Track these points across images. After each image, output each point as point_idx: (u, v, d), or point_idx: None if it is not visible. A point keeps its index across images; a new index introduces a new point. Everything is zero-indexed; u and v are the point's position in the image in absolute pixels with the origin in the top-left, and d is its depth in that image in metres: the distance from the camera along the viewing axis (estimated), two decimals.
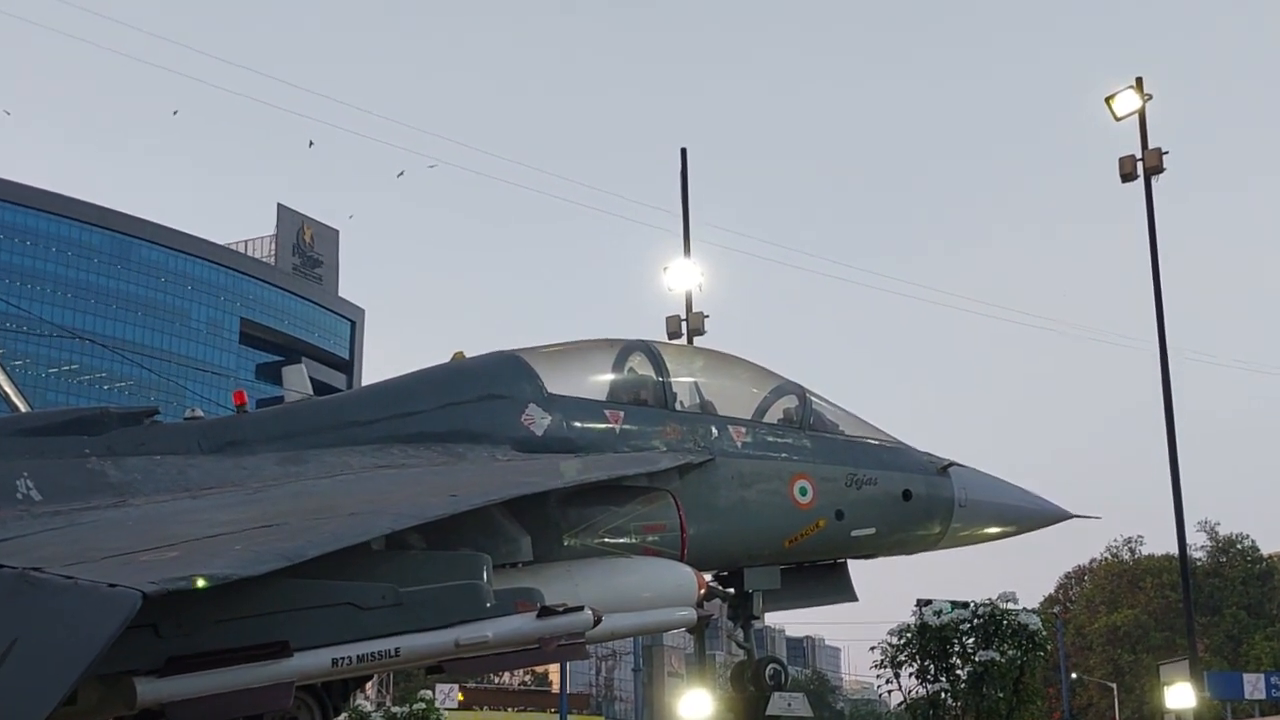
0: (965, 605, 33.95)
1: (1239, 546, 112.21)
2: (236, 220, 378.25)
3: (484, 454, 13.39)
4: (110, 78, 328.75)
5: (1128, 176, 38.45)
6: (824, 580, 16.33)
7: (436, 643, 10.47)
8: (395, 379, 14.52)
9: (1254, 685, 65.96)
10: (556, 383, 14.15)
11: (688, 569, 13.11)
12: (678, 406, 14.83)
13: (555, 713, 71.87)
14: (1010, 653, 33.09)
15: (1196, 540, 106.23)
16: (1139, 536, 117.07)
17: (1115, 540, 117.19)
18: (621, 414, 14.35)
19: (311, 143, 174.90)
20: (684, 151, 43.49)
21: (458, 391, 13.94)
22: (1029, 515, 17.28)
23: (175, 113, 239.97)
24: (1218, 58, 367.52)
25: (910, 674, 33.99)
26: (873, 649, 35.30)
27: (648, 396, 14.79)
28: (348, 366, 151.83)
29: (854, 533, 15.49)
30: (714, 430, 14.72)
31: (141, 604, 7.45)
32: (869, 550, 16.14)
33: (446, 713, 50.84)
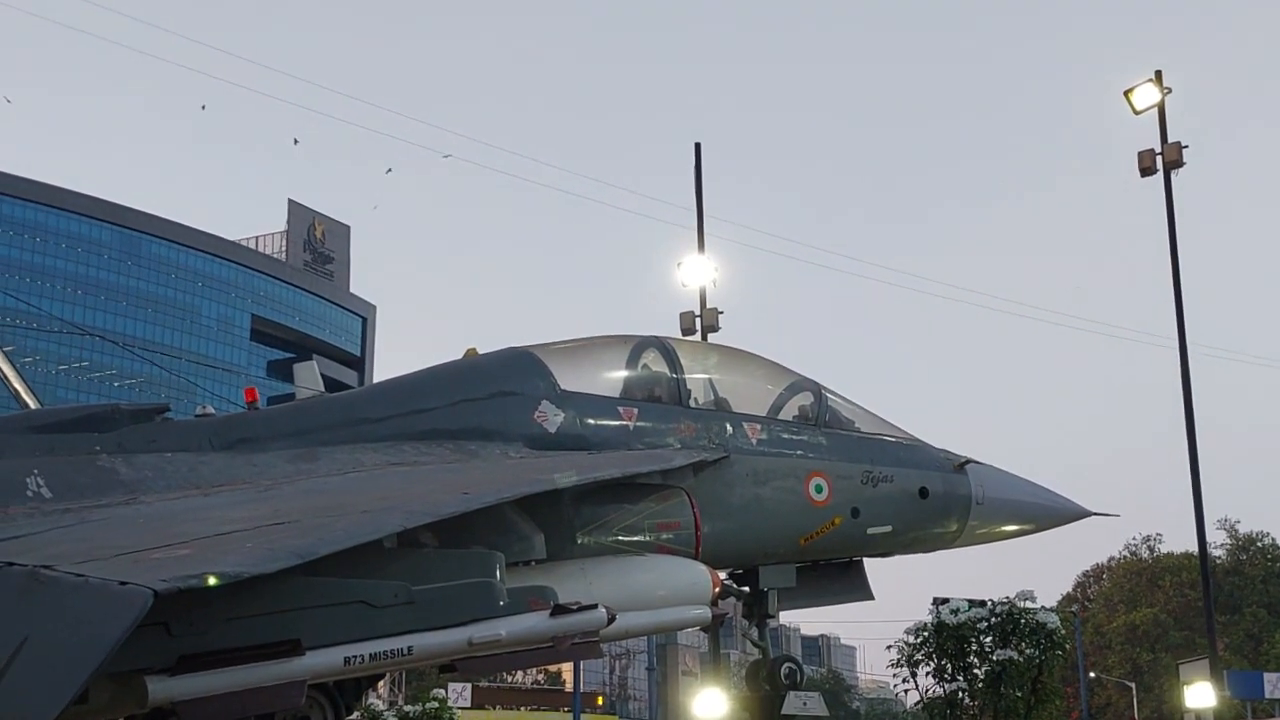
0: (983, 604, 33.86)
1: (1259, 544, 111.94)
2: (247, 216, 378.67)
3: (496, 451, 13.39)
4: (122, 73, 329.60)
5: (1147, 171, 38.32)
6: (840, 578, 16.33)
7: (449, 641, 10.47)
8: (407, 375, 14.53)
9: (1275, 684, 65.75)
10: (570, 379, 14.14)
11: (702, 567, 13.10)
12: (692, 403, 14.82)
13: (568, 712, 71.83)
14: (1028, 652, 32.99)
15: (1216, 538, 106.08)
16: (1158, 534, 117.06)
17: (1134, 538, 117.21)
18: (635, 411, 14.34)
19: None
20: (698, 146, 43.49)
21: (470, 388, 13.95)
22: (1047, 513, 17.25)
23: (204, 107, 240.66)
24: (1238, 50, 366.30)
25: (927, 673, 33.91)
26: (889, 648, 35.25)
27: (662, 393, 14.78)
28: (359, 363, 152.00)
29: (870, 530, 15.48)
30: (729, 427, 14.71)
31: (153, 602, 7.45)
32: (885, 548, 16.12)
33: (459, 712, 50.86)
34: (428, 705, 40.05)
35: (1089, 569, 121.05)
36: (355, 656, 9.98)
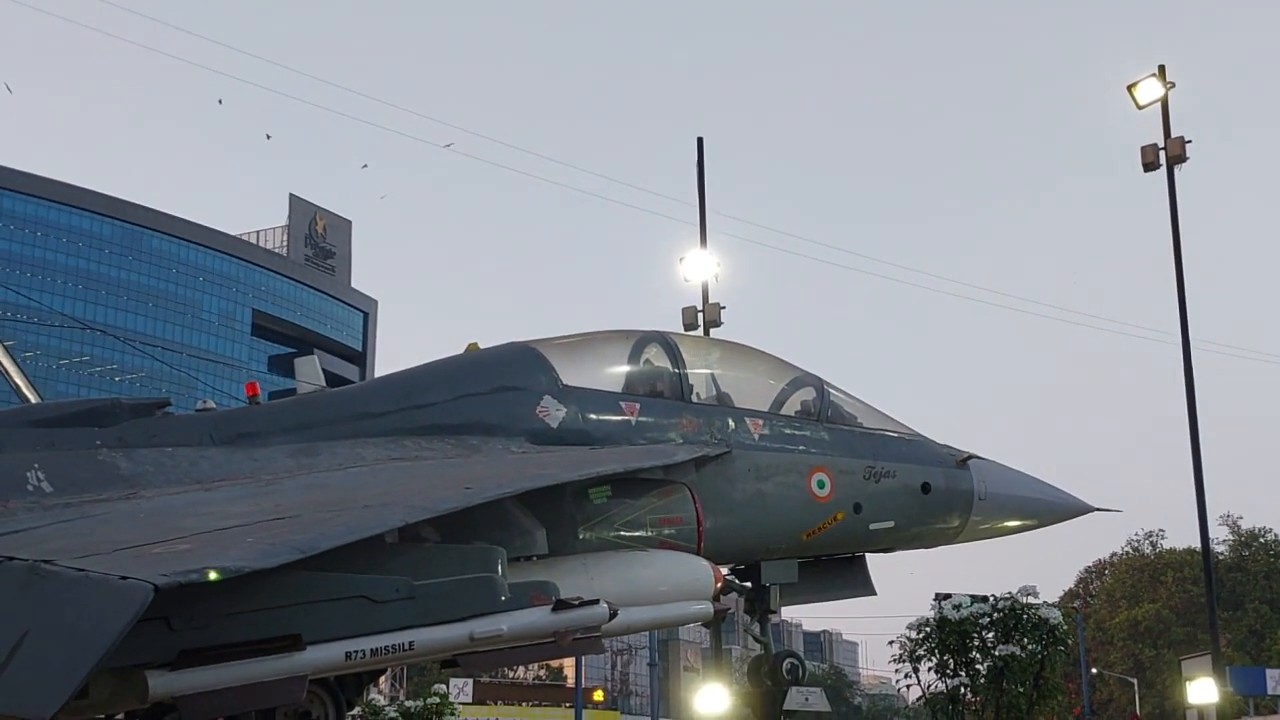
0: (985, 599, 33.78)
1: (1262, 540, 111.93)
2: (249, 211, 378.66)
3: (498, 446, 13.39)
4: (121, 67, 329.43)
5: (1150, 165, 38.30)
6: (842, 574, 16.33)
7: (451, 636, 10.48)
8: (408, 370, 14.52)
9: (1277, 680, 65.66)
10: (572, 374, 14.14)
11: (704, 562, 13.10)
12: (694, 399, 14.80)
13: (570, 707, 71.90)
14: (1031, 647, 32.91)
15: (1219, 534, 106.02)
16: (1160, 530, 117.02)
17: (1136, 534, 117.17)
18: (637, 406, 14.34)
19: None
20: (700, 141, 43.47)
21: (472, 383, 13.94)
22: (1049, 508, 17.24)
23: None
24: (1242, 45, 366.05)
25: (929, 668, 33.85)
26: (891, 643, 35.18)
27: (664, 388, 14.77)
28: (360, 358, 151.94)
29: (872, 526, 15.48)
30: (731, 423, 14.70)
31: (153, 597, 7.46)
32: (887, 543, 16.11)
33: (461, 707, 50.88)
34: (429, 701, 39.99)
35: (1091, 565, 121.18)
36: (356, 652, 9.99)
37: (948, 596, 34.02)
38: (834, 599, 16.75)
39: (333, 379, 15.14)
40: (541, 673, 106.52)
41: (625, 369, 14.84)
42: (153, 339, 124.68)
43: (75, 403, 12.87)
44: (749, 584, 15.49)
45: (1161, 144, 38.20)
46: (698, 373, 15.12)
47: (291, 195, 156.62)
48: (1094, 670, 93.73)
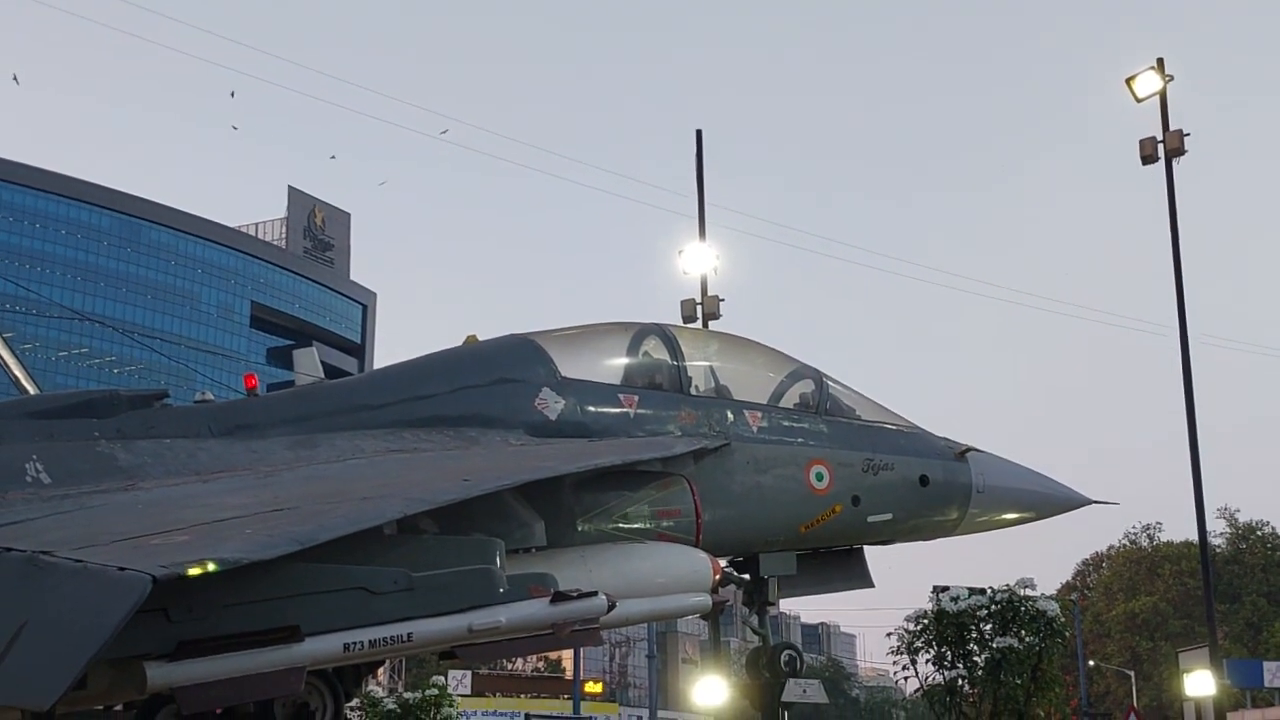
0: (982, 591, 33.76)
1: (1259, 533, 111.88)
2: (247, 203, 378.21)
3: (497, 438, 13.39)
4: (119, 59, 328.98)
5: (1148, 159, 38.24)
6: (840, 566, 16.34)
7: (449, 628, 10.47)
8: (407, 362, 14.52)
9: (1274, 673, 65.85)
10: (570, 366, 14.14)
11: (703, 554, 13.10)
12: (693, 391, 14.81)
13: (568, 699, 71.93)
14: (1028, 639, 32.85)
15: (1216, 527, 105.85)
16: (1157, 523, 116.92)
17: (1134, 527, 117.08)
18: (636, 398, 14.34)
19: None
20: (699, 134, 43.42)
21: (470, 375, 13.94)
22: (1047, 501, 17.26)
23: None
24: (1240, 38, 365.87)
25: (926, 660, 33.81)
26: (889, 635, 35.10)
27: (663, 381, 14.77)
28: (359, 350, 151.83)
29: (870, 518, 15.49)
30: (729, 415, 14.71)
31: (151, 588, 7.46)
32: (885, 536, 16.13)
33: (459, 699, 50.89)
34: (428, 692, 39.90)
35: (1089, 557, 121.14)
36: (354, 643, 9.98)
37: (945, 589, 33.96)
38: (832, 591, 16.77)
39: (331, 371, 15.14)
40: (540, 665, 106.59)
41: (624, 361, 14.85)
42: (151, 331, 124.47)
43: (74, 394, 12.87)
44: (747, 576, 15.50)
45: (1160, 137, 38.16)
46: (696, 365, 15.12)
47: (290, 187, 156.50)
48: (1091, 662, 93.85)
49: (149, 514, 10.18)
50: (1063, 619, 35.06)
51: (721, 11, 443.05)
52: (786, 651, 15.76)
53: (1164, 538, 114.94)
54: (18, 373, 15.14)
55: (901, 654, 34.29)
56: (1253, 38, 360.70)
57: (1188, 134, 38.14)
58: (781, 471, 14.79)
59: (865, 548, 16.41)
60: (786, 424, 15.12)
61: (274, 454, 12.38)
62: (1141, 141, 38.46)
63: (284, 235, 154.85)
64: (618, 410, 14.17)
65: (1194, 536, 41.26)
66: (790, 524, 14.92)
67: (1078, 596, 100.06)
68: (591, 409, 14.01)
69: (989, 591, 33.46)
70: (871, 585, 16.58)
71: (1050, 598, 35.68)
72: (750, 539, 14.86)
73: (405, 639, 10.27)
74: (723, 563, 14.16)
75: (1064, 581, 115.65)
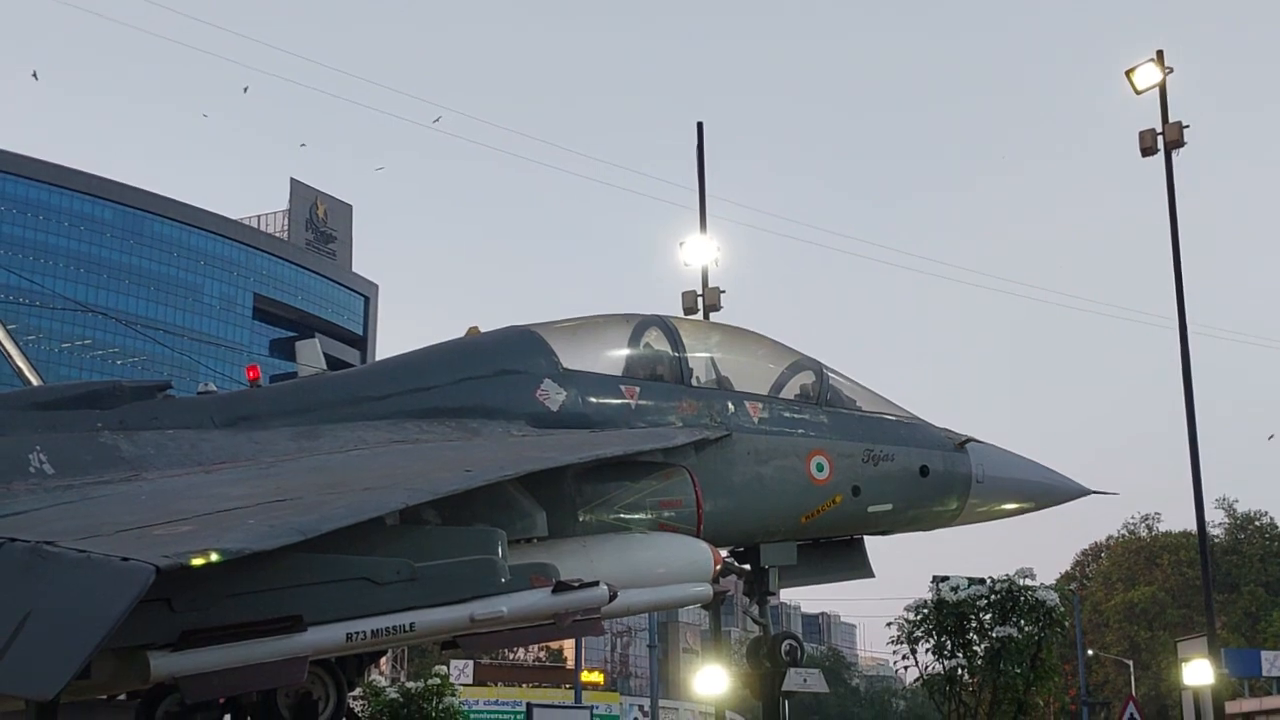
0: (982, 581, 33.83)
1: (1257, 523, 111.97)
2: (249, 195, 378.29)
3: (499, 429, 13.39)
4: (123, 52, 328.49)
5: (1148, 151, 38.19)
6: (840, 556, 16.34)
7: (451, 618, 10.49)
8: (409, 354, 14.52)
9: (1271, 662, 65.96)
10: (572, 358, 14.14)
11: (704, 545, 13.11)
12: (694, 382, 14.80)
13: (570, 689, 71.97)
14: (1027, 629, 32.97)
15: (1214, 517, 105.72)
16: (1156, 513, 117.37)
17: (1133, 517, 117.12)
18: (637, 389, 14.34)
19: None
20: (700, 125, 43.32)
21: (472, 366, 13.94)
22: (1046, 491, 17.25)
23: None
24: (1240, 30, 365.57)
25: (926, 650, 33.89)
26: (889, 625, 35.21)
27: (664, 372, 14.77)
28: (361, 342, 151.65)
29: (871, 509, 15.49)
30: (730, 406, 14.70)
31: (155, 578, 7.47)
32: (886, 526, 16.13)
33: (461, 688, 50.97)
34: (430, 682, 40.01)
35: (1088, 547, 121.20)
36: (357, 633, 9.99)
37: (945, 579, 34.05)
38: (832, 581, 16.79)
39: (334, 362, 15.15)
40: (541, 654, 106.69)
41: (625, 352, 14.84)
42: (154, 322, 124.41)
43: (77, 385, 12.88)
44: (748, 566, 15.50)
45: (1159, 129, 38.12)
46: (697, 356, 15.11)
47: (292, 179, 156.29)
48: (1090, 652, 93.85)
49: (152, 504, 10.19)
50: (1062, 609, 35.20)
51: (723, 2, 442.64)
52: (787, 641, 15.77)
53: (1163, 528, 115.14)
54: (21, 364, 15.12)
55: (902, 643, 34.43)
56: (1252, 29, 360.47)
57: (1187, 126, 38.11)
58: (782, 462, 14.79)
59: (866, 538, 16.40)
60: (787, 415, 15.12)
61: (277, 445, 12.38)
62: (1141, 133, 38.42)
63: (286, 227, 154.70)
64: (619, 401, 14.17)
65: (1192, 527, 41.27)
66: (791, 514, 14.92)
67: (1076, 586, 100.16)
68: (593, 400, 14.01)
69: (989, 581, 33.57)
70: (872, 575, 16.59)
71: (1049, 587, 35.80)
72: (751, 529, 14.86)
73: (408, 629, 10.29)
74: (724, 553, 14.17)
75: (1063, 571, 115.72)
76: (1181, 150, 38.12)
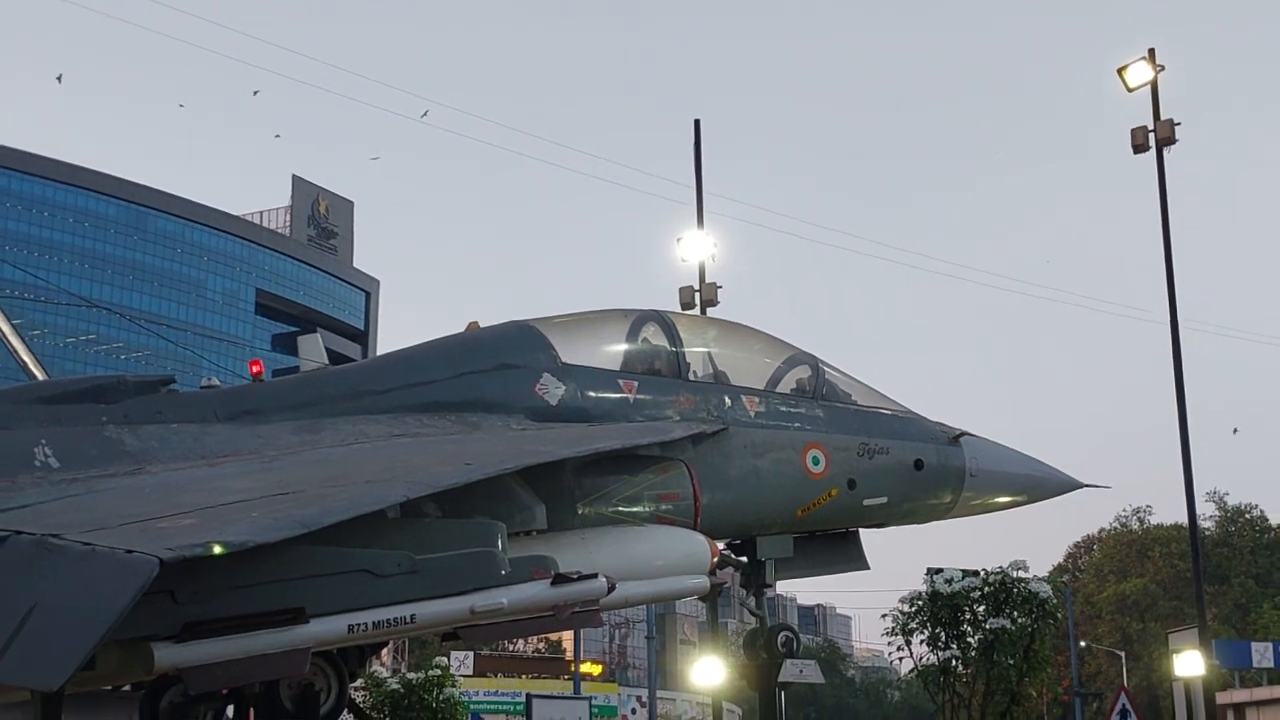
0: (976, 573, 33.80)
1: (1247, 516, 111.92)
2: (252, 192, 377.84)
3: (498, 423, 13.40)
4: (127, 51, 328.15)
5: (1140, 148, 38.20)
6: (836, 549, 16.34)
7: (452, 609, 10.50)
8: (410, 348, 14.52)
9: (1262, 654, 66.00)
10: (571, 352, 14.14)
11: (701, 537, 13.12)
12: (691, 376, 14.81)
13: (569, 680, 71.98)
14: (1020, 620, 32.93)
15: (1205, 510, 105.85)
16: (1147, 506, 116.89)
17: (1124, 510, 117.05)
18: (635, 384, 14.35)
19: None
20: (697, 124, 43.32)
21: (472, 361, 13.94)
22: (1039, 484, 17.26)
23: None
24: (1231, 29, 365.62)
25: (921, 641, 33.88)
26: (884, 617, 35.12)
27: (661, 366, 14.78)
28: (362, 337, 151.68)
29: (866, 502, 15.50)
30: (727, 400, 14.71)
31: (159, 570, 7.47)
32: (880, 519, 16.14)
33: (461, 679, 50.95)
34: (430, 673, 39.97)
35: (1080, 540, 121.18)
36: (359, 624, 10.00)
37: (939, 571, 34.00)
38: (828, 573, 16.77)
39: (335, 357, 15.14)
40: (541, 646, 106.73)
41: (623, 347, 14.85)
42: (158, 317, 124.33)
43: (81, 380, 12.87)
44: (745, 558, 15.50)
45: (1151, 126, 38.13)
46: (695, 351, 15.12)
47: (294, 176, 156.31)
48: (1083, 643, 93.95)
49: (156, 497, 10.20)
50: (1054, 600, 35.14)
51: (722, 2, 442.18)
52: (783, 632, 15.79)
53: (1154, 521, 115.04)
54: (26, 358, 15.14)
55: (896, 635, 34.34)
56: (1243, 27, 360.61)
57: (1178, 123, 38.12)
58: (778, 456, 14.79)
59: (861, 530, 16.41)
60: (783, 409, 15.13)
61: (279, 438, 12.38)
62: (1133, 130, 38.42)
63: (288, 223, 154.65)
64: (617, 395, 14.18)
65: (1184, 520, 41.40)
66: (787, 507, 14.93)
67: (1069, 578, 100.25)
68: (591, 394, 14.02)
69: (982, 573, 33.49)
70: (867, 567, 16.59)
71: (1042, 580, 35.76)
72: (748, 522, 14.87)
73: (408, 620, 10.30)
74: (721, 545, 14.19)
75: (1056, 563, 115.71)
76: (1173, 147, 38.12)
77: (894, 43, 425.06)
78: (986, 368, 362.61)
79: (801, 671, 16.11)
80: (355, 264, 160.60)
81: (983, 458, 16.41)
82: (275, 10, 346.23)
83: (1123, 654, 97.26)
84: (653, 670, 65.79)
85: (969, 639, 33.21)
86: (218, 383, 13.75)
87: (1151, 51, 38.74)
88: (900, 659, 36.19)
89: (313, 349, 15.06)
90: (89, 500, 10.30)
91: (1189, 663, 35.41)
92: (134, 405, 12.12)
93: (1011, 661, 32.83)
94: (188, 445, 11.90)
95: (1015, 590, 33.18)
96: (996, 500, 17.01)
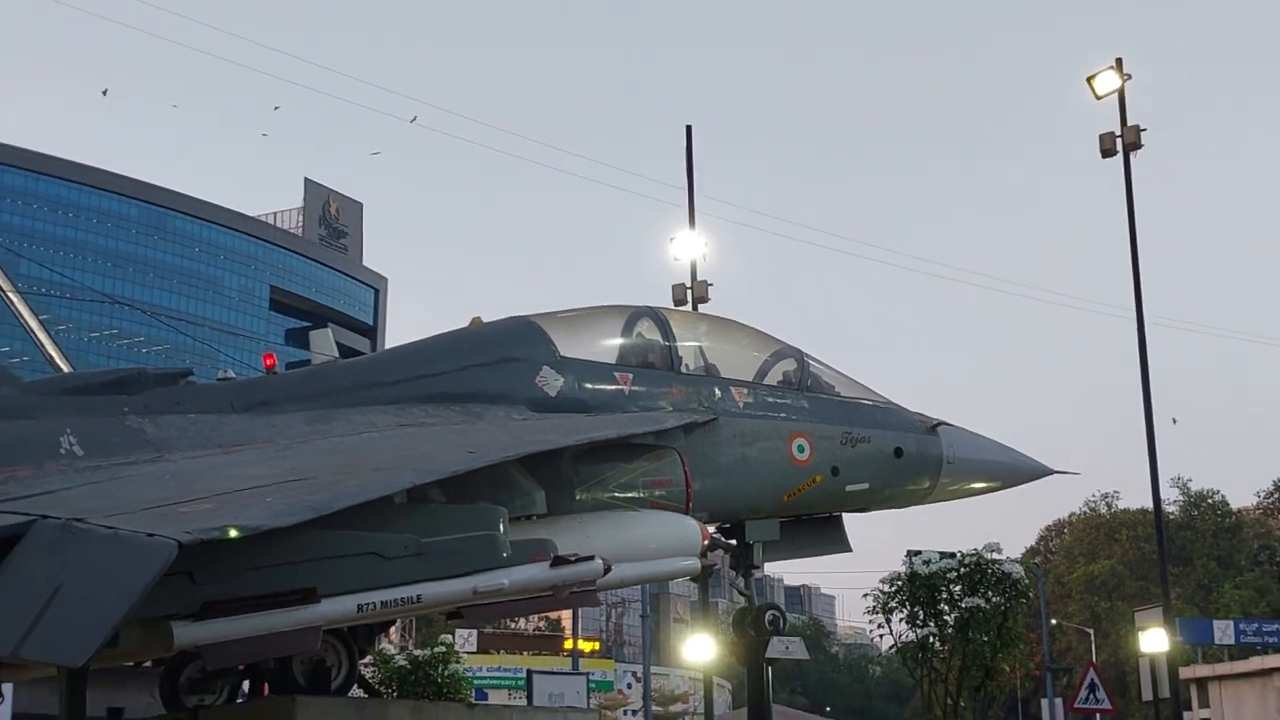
0: (952, 555, 33.94)
1: (1210, 501, 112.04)
2: (266, 193, 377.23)
3: (500, 413, 13.39)
4: (149, 59, 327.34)
5: (1107, 153, 38.18)
6: (820, 532, 16.34)
7: (456, 590, 10.51)
8: (417, 343, 14.51)
9: (1223, 631, 66.23)
10: (569, 346, 14.14)
11: (692, 521, 13.14)
12: (683, 369, 14.83)
13: (567, 656, 72.04)
14: (994, 600, 33.12)
15: (1170, 495, 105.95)
16: (1115, 492, 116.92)
17: (1093, 495, 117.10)
18: (630, 376, 14.35)
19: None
20: (689, 129, 43.28)
21: (476, 354, 13.93)
22: (1012, 471, 17.28)
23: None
24: (1194, 39, 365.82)
25: (900, 619, 34.01)
26: (865, 596, 35.37)
27: (655, 360, 14.78)
28: (371, 331, 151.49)
29: (849, 488, 15.50)
30: (717, 391, 14.72)
31: (178, 552, 7.48)
32: (862, 504, 16.14)
33: (465, 656, 51.01)
34: (436, 650, 39.98)
35: (1051, 523, 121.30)
36: (367, 604, 10.01)
37: (918, 553, 34.13)
38: (813, 555, 16.77)
39: (345, 351, 15.09)
40: (541, 624, 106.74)
41: (619, 341, 14.85)
42: (177, 313, 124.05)
43: (105, 372, 12.85)
44: (734, 542, 15.50)
45: (1119, 132, 38.14)
46: (686, 345, 15.12)
47: (306, 179, 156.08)
48: (1053, 621, 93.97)
49: (175, 484, 10.19)
50: (1027, 581, 35.34)
51: (714, 3, 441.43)
52: (770, 611, 15.78)
53: (1121, 505, 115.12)
54: (53, 352, 15.14)
55: (878, 613, 34.55)
56: (1206, 37, 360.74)
57: (1144, 129, 38.16)
58: (766, 444, 14.80)
59: (844, 515, 16.42)
60: (770, 400, 15.14)
61: (292, 428, 12.37)
62: (1101, 136, 38.43)
63: (301, 224, 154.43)
64: (613, 387, 14.18)
65: (1149, 504, 41.40)
66: (774, 493, 14.93)
67: (1041, 560, 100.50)
68: (589, 386, 14.02)
69: (958, 555, 33.66)
70: (850, 550, 16.59)
71: (1015, 561, 35.92)
72: (737, 507, 14.87)
73: (415, 600, 10.31)
74: (711, 529, 14.20)
75: (1028, 546, 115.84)
76: (1139, 152, 38.14)
77: (881, 50, 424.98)
78: (965, 361, 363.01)
79: (787, 648, 16.16)
80: (364, 262, 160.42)
81: (959, 446, 16.42)
82: (290, 22, 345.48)
83: (1091, 631, 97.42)
84: (647, 647, 65.77)
85: (946, 617, 33.39)
86: (233, 375, 13.73)
87: (1119, 61, 38.74)
88: (881, 636, 36.42)
89: (324, 343, 15.02)
90: (112, 486, 10.29)
91: (1154, 639, 35.47)
92: (154, 396, 12.10)
93: (986, 638, 33.02)
94: (205, 434, 11.89)
95: (989, 571, 33.35)
96: (972, 486, 17.02)
